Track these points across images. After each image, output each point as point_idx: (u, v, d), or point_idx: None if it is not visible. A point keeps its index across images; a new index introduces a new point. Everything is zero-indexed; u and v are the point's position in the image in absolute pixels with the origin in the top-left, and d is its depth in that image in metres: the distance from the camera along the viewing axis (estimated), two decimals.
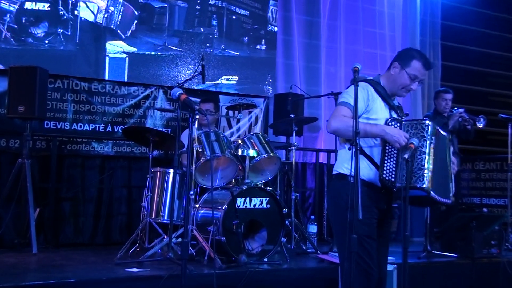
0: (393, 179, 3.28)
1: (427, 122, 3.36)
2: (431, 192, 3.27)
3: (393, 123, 3.40)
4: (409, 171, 3.20)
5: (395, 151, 3.31)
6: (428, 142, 3.31)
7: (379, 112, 3.44)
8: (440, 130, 3.43)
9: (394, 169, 3.29)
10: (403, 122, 3.41)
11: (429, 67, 3.57)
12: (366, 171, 3.38)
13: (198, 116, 5.28)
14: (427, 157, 3.28)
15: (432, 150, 3.31)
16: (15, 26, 6.23)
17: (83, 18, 6.56)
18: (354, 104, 3.14)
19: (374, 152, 3.41)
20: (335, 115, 3.39)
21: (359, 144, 3.23)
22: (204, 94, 7.11)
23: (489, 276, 5.72)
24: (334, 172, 3.57)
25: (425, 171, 3.26)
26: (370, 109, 3.41)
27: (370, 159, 3.41)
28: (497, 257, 5.92)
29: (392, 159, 3.31)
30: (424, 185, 3.24)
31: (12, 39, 6.20)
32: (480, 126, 6.61)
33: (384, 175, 3.29)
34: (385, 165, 3.31)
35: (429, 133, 3.32)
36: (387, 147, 3.34)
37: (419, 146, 3.29)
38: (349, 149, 3.24)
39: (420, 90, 9.06)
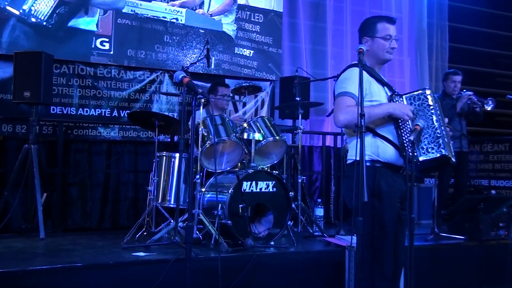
0: (415, 153, 3.31)
1: (427, 91, 3.44)
2: (451, 157, 3.37)
3: (396, 98, 3.41)
4: (414, 152, 3.23)
5: (408, 125, 3.31)
6: (435, 110, 3.40)
7: (377, 93, 3.44)
8: (434, 95, 3.53)
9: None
10: (404, 96, 3.44)
11: (393, 21, 3.59)
12: (385, 151, 3.38)
13: (202, 100, 5.25)
14: (437, 124, 3.34)
15: (440, 117, 3.41)
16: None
17: None
18: (359, 85, 3.11)
19: (384, 131, 3.39)
20: (340, 108, 3.35)
21: (371, 127, 3.25)
22: (210, 78, 7.09)
23: (497, 258, 5.70)
24: (350, 161, 3.51)
25: (441, 139, 3.32)
26: (369, 92, 3.38)
27: (385, 138, 3.39)
28: (505, 239, 5.90)
29: (408, 133, 3.31)
30: (443, 151, 3.32)
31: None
32: (489, 109, 6.57)
33: (407, 150, 3.29)
34: (404, 140, 3.33)
35: (434, 100, 3.43)
36: (400, 123, 3.34)
37: (428, 116, 3.34)
38: (354, 131, 3.21)
39: (428, 72, 9.02)
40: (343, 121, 3.33)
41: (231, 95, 6.63)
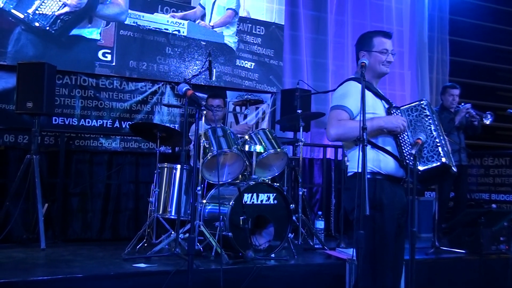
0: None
1: (424, 102, 3.48)
2: (452, 166, 3.38)
3: (394, 111, 3.44)
4: (415, 165, 3.25)
5: (407, 136, 3.33)
6: (432, 120, 3.44)
7: (375, 106, 3.46)
8: (431, 105, 3.56)
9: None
10: (401, 108, 3.47)
11: (389, 35, 3.61)
12: (385, 163, 3.38)
13: (205, 112, 5.27)
14: (435, 133, 3.35)
15: (439, 127, 3.43)
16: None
17: None
18: (361, 99, 3.14)
19: (384, 143, 3.41)
20: (331, 122, 3.38)
21: (371, 140, 3.27)
22: (212, 90, 7.11)
23: (497, 273, 5.69)
24: (351, 173, 3.50)
25: (440, 148, 3.34)
26: (366, 105, 3.39)
27: (385, 150, 3.40)
28: (506, 253, 5.89)
29: (407, 144, 3.33)
30: (444, 159, 3.33)
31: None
32: (487, 123, 6.58)
33: (407, 161, 3.31)
34: (404, 151, 3.35)
35: (430, 111, 3.46)
36: (398, 135, 3.36)
37: (426, 126, 3.36)
38: (356, 145, 3.23)
39: (428, 85, 9.04)
40: (333, 135, 3.36)
41: (228, 107, 6.65)
